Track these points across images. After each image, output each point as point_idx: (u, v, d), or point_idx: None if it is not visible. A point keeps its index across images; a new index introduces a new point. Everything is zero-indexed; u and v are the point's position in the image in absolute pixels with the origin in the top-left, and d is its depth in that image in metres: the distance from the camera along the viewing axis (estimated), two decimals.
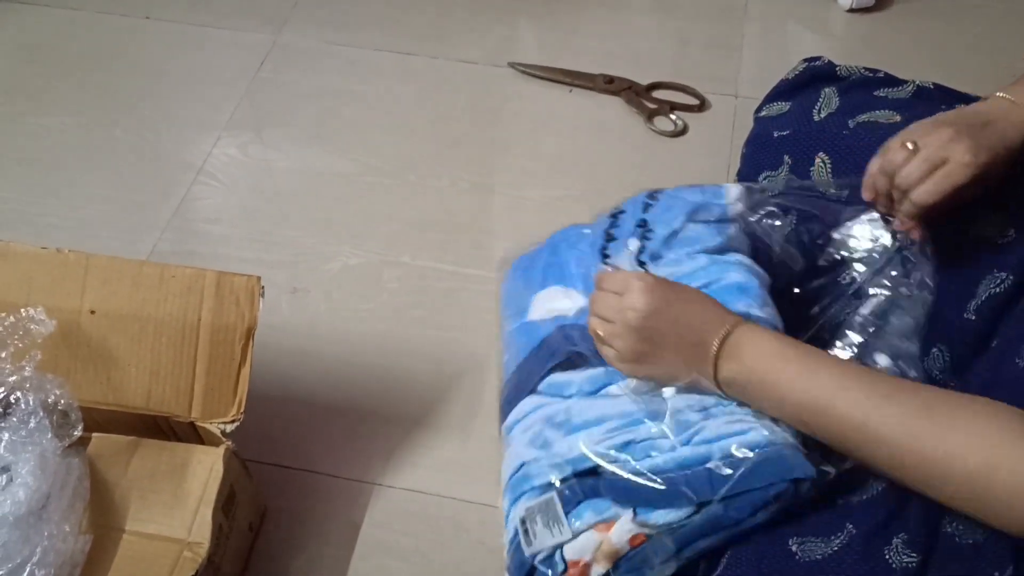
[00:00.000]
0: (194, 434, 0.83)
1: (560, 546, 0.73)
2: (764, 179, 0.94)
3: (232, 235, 1.20)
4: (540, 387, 0.82)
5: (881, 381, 0.67)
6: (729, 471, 0.72)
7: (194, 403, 0.81)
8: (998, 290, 0.75)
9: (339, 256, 1.17)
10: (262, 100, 1.36)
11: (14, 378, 0.75)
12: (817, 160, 0.88)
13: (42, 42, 1.45)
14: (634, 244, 0.89)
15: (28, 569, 0.70)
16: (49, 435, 0.74)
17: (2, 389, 0.75)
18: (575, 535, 0.74)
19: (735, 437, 0.73)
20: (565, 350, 0.83)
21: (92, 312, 0.80)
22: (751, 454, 0.71)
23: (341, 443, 0.99)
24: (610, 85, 1.35)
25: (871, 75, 0.94)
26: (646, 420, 0.77)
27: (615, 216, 0.93)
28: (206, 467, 0.80)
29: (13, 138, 1.31)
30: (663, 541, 0.75)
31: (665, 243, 0.89)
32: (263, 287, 0.80)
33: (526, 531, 0.74)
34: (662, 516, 0.74)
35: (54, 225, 1.21)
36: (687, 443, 0.75)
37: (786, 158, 0.91)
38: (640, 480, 0.74)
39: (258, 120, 1.34)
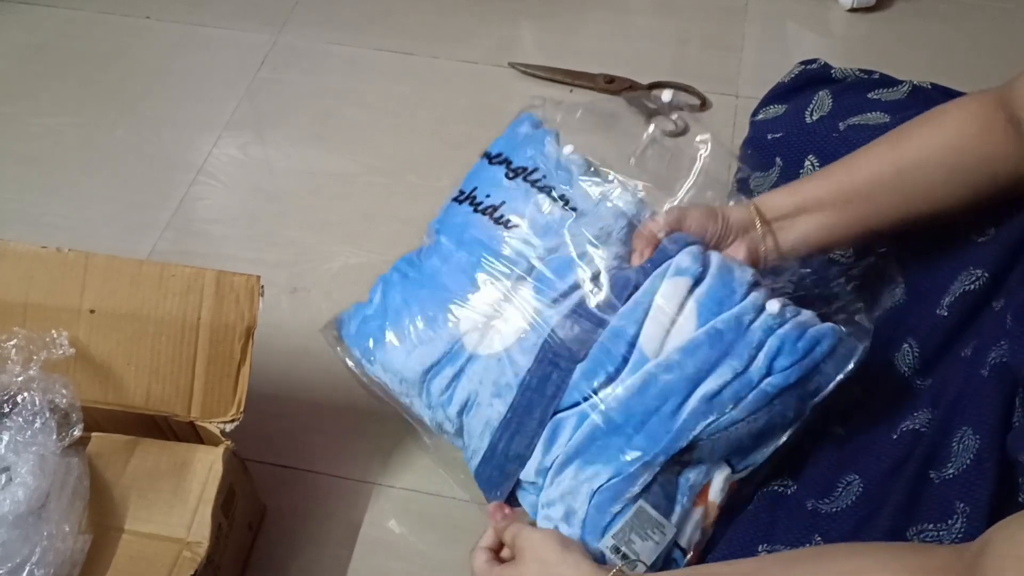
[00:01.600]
0: (193, 434, 0.83)
1: (669, 545, 0.72)
2: (754, 180, 0.94)
3: (232, 235, 1.20)
4: (546, 427, 0.77)
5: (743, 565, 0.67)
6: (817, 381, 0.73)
7: (193, 402, 0.81)
8: (972, 287, 0.76)
9: (339, 256, 1.17)
10: (262, 100, 1.36)
11: (21, 378, 0.75)
12: (806, 163, 0.89)
13: (42, 42, 1.45)
14: (531, 191, 0.83)
15: (27, 568, 0.70)
16: (53, 436, 0.74)
17: (10, 390, 0.75)
18: (680, 522, 0.73)
19: (817, 348, 0.73)
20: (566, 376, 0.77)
21: (92, 311, 0.80)
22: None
23: (341, 443, 0.99)
24: (610, 85, 1.35)
25: (866, 76, 0.94)
26: (710, 372, 0.73)
27: (466, 192, 0.86)
28: (205, 466, 0.80)
29: (13, 138, 1.31)
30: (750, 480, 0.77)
31: (555, 173, 0.84)
32: (262, 286, 0.80)
33: (624, 556, 0.71)
34: (761, 455, 0.74)
35: (54, 224, 1.21)
36: (769, 371, 0.73)
37: (777, 160, 0.92)
38: (740, 428, 0.72)
39: (258, 120, 1.34)
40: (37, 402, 0.74)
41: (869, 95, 0.91)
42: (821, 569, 0.59)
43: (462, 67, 1.40)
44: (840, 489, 0.74)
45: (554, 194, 0.83)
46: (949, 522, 0.65)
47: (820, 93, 0.93)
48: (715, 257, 0.78)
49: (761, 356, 0.73)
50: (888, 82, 0.93)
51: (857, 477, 0.74)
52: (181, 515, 0.78)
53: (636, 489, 0.72)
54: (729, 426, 0.72)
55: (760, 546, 0.71)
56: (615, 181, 0.84)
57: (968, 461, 0.67)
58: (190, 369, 0.80)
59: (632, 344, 0.75)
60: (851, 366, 0.73)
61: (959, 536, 0.65)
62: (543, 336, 0.78)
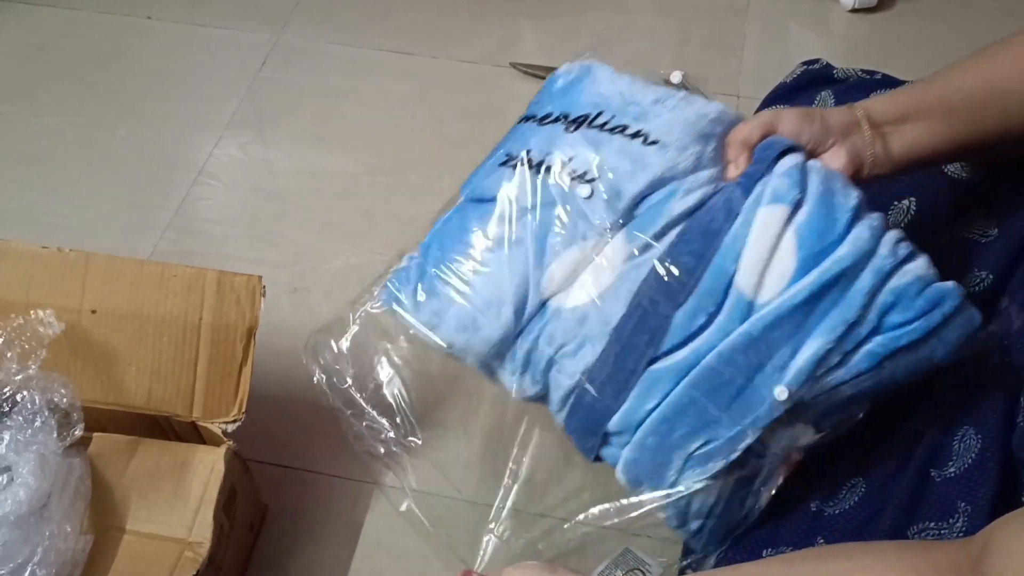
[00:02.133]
0: (195, 434, 0.83)
1: None
2: None
3: (233, 235, 1.20)
4: (640, 378, 0.69)
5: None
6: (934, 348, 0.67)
7: (195, 403, 0.81)
8: (978, 289, 0.76)
9: (340, 255, 1.17)
10: (263, 100, 1.36)
11: (20, 377, 0.75)
12: None
13: (43, 42, 1.45)
14: (601, 136, 0.72)
15: (29, 569, 0.70)
16: (53, 435, 0.74)
17: (8, 388, 0.75)
18: (764, 482, 0.71)
19: (937, 309, 0.65)
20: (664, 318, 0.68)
21: (93, 312, 0.80)
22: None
23: (341, 443, 0.98)
24: None
25: (868, 77, 0.94)
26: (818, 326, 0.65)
27: (515, 155, 0.75)
28: (207, 467, 0.80)
29: (14, 138, 1.31)
30: None
31: (622, 110, 0.74)
32: (264, 286, 0.80)
33: None
34: (850, 418, 0.71)
35: (55, 224, 1.20)
36: (878, 328, 0.66)
37: None
38: (843, 390, 0.67)
39: (259, 120, 1.34)
40: (36, 401, 0.74)
41: (871, 95, 0.91)
42: (825, 570, 0.59)
43: (462, 67, 1.40)
44: (844, 492, 0.74)
45: (628, 132, 0.73)
46: (951, 521, 0.66)
47: (822, 93, 0.93)
48: (815, 177, 0.70)
49: (873, 309, 0.66)
50: (890, 82, 0.93)
51: (861, 479, 0.74)
52: (183, 515, 0.77)
53: (736, 453, 0.67)
54: (833, 388, 0.66)
55: (765, 550, 0.71)
56: (691, 97, 0.74)
57: (970, 460, 0.67)
58: (191, 369, 0.80)
59: (730, 283, 0.68)
60: (966, 337, 0.67)
61: (960, 535, 0.65)
62: (638, 281, 0.70)
